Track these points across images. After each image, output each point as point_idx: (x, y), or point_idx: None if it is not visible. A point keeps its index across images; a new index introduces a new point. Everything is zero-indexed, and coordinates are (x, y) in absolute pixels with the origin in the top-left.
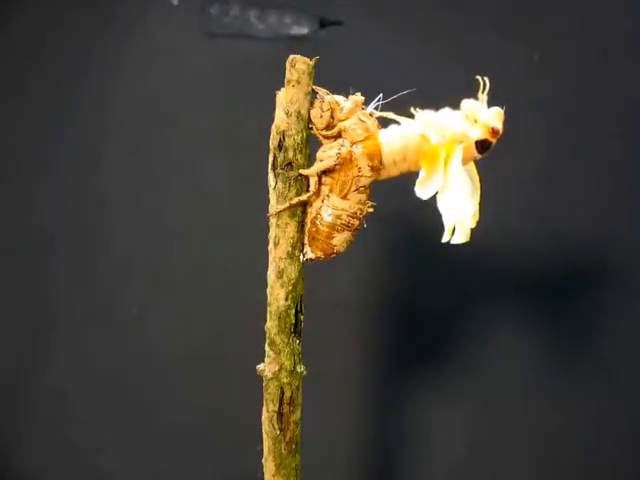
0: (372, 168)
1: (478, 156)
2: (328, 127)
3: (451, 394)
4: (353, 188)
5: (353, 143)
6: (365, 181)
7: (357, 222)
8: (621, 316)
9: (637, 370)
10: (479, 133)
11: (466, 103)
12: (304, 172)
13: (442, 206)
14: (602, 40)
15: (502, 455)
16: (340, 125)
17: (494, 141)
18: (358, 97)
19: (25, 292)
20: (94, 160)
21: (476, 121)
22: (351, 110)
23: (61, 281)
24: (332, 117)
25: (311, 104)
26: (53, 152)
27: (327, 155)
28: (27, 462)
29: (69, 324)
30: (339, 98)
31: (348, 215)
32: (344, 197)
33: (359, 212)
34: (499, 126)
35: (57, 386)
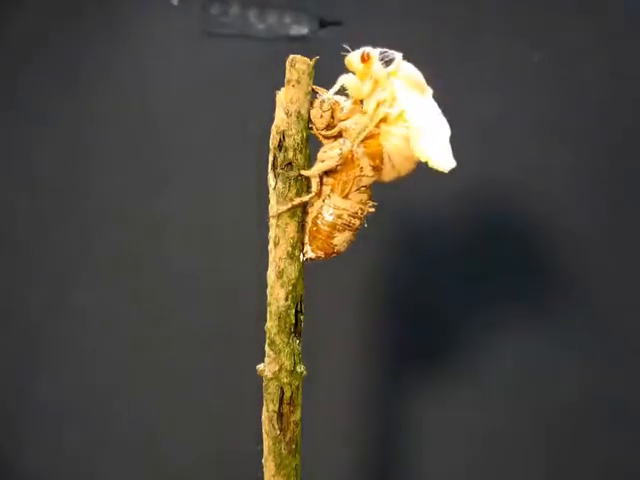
0: (374, 168)
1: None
2: (328, 127)
3: (452, 394)
4: (354, 188)
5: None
6: (367, 181)
7: (358, 222)
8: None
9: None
10: (369, 82)
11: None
12: (306, 173)
13: (428, 139)
14: (602, 39)
15: (504, 452)
16: (341, 125)
17: (372, 60)
18: None
19: (24, 292)
20: (93, 160)
21: (363, 78)
22: (351, 110)
23: (62, 282)
24: (332, 117)
25: (311, 104)
26: (51, 153)
27: (328, 156)
28: (27, 463)
29: (69, 325)
30: (339, 98)
31: (349, 215)
32: (345, 197)
33: (360, 212)
34: (360, 53)
35: (57, 387)
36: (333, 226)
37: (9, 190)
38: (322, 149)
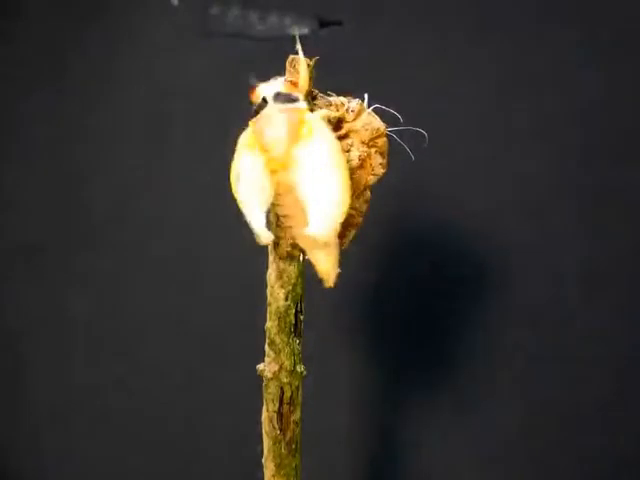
0: (382, 165)
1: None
2: (334, 129)
3: (452, 393)
4: (365, 187)
5: (364, 143)
6: (374, 179)
7: (361, 219)
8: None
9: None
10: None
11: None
12: None
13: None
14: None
15: (507, 450)
16: (348, 126)
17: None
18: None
19: (23, 290)
20: (93, 161)
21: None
22: (357, 111)
23: (63, 281)
24: (339, 120)
25: (314, 106)
26: (51, 153)
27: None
28: (26, 462)
29: (70, 324)
30: (343, 100)
31: (357, 213)
32: (356, 197)
33: (365, 210)
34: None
35: (57, 387)
36: (344, 226)
37: (9, 190)
38: None
